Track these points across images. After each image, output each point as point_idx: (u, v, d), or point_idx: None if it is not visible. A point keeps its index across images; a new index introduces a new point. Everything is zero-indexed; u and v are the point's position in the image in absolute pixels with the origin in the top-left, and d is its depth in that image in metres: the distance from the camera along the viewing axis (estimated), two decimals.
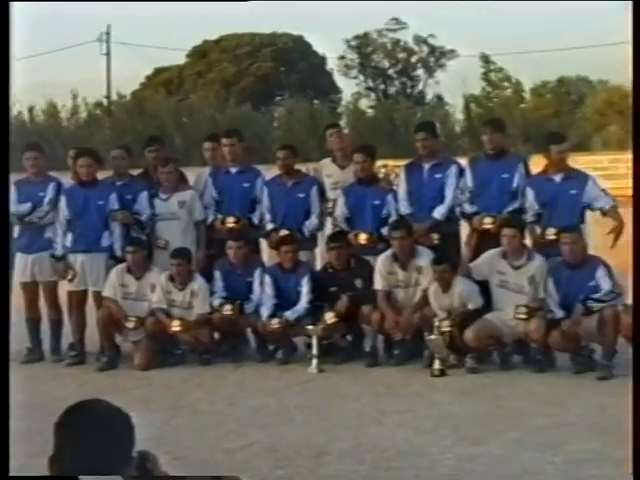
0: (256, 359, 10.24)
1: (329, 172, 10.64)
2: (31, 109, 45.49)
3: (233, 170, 10.72)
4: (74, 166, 10.62)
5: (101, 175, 10.84)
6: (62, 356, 10.62)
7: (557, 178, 9.79)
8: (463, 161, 10.59)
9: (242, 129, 36.18)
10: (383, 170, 20.64)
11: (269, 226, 10.49)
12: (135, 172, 11.16)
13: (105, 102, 46.32)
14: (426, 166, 10.17)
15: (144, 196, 10.53)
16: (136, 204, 10.51)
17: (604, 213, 9.75)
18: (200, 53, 51.06)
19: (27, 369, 10.29)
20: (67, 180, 10.82)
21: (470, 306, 9.56)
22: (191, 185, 10.90)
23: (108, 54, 49.79)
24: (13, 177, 10.87)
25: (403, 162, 11.01)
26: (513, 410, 8.09)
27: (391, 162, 22.01)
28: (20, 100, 43.54)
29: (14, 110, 45.19)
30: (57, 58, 66.94)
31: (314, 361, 9.68)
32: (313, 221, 10.52)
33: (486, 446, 7.04)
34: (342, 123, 44.30)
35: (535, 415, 7.89)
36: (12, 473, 4.96)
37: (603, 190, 9.90)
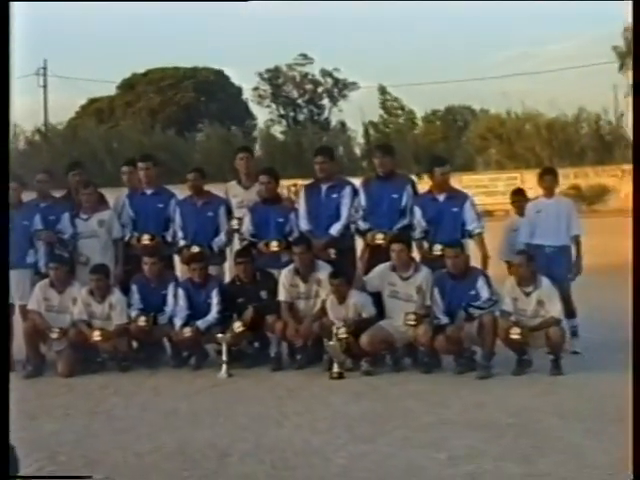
0: (171, 365, 9.93)
1: (234, 193, 10.37)
2: None
3: (148, 192, 10.42)
4: None
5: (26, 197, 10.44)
6: None
7: (441, 197, 9.68)
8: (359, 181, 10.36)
9: (166, 153, 35.66)
10: (293, 189, 20.47)
11: (181, 243, 10.22)
12: (59, 194, 10.76)
13: (43, 129, 45.44)
14: (324, 187, 9.96)
15: (66, 216, 10.19)
16: (59, 224, 10.17)
17: (470, 236, 9.60)
18: (129, 85, 50.37)
19: None
20: None
21: (364, 315, 9.36)
22: (110, 206, 10.54)
23: (45, 86, 48.94)
24: None
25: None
26: (402, 409, 7.87)
27: (300, 181, 21.83)
28: None
29: None
30: None
31: (223, 367, 9.40)
32: (222, 238, 10.26)
33: (376, 444, 6.79)
34: (256, 147, 44.10)
35: (421, 414, 7.67)
36: None
37: (477, 214, 9.77)
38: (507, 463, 6.22)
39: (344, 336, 9.15)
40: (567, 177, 27.46)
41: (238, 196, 10.31)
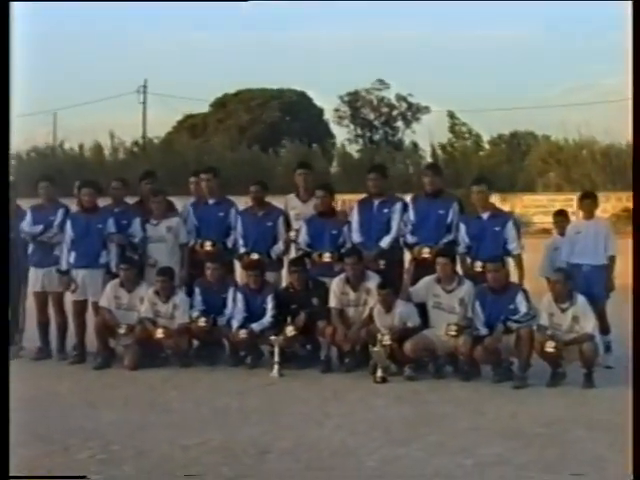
0: (229, 363, 9.75)
1: (293, 205, 10.17)
2: (81, 147, 45.27)
3: (211, 201, 10.26)
4: (79, 195, 10.17)
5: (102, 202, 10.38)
6: (66, 355, 10.19)
7: (484, 216, 9.38)
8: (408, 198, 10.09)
9: (250, 167, 35.58)
10: None
11: (241, 250, 10.02)
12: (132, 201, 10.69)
13: (141, 142, 45.95)
14: (376, 202, 9.72)
15: (137, 221, 10.08)
16: (130, 228, 10.07)
17: (510, 255, 9.28)
18: (221, 103, 50.61)
19: (36, 365, 9.96)
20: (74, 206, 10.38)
21: (409, 324, 9.09)
22: (178, 212, 10.42)
23: (144, 103, 49.58)
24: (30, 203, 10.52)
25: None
26: (438, 414, 7.58)
27: None
28: (70, 139, 43.45)
29: (65, 146, 45.35)
30: (103, 106, 66.77)
31: (276, 367, 9.21)
32: (279, 246, 10.06)
33: (409, 448, 6.51)
34: (334, 164, 43.97)
35: (456, 419, 7.39)
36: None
37: (518, 235, 9.45)
38: (530, 472, 5.93)
39: (388, 343, 8.90)
40: (620, 200, 26.78)
41: (296, 208, 10.11)
